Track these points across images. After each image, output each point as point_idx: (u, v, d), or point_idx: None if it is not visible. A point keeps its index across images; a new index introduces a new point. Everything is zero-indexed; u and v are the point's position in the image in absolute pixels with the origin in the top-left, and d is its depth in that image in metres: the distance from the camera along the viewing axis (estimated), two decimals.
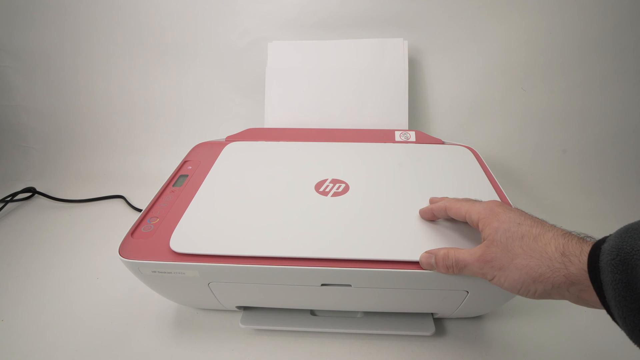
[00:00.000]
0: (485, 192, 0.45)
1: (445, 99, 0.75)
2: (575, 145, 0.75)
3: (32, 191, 0.73)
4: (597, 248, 0.24)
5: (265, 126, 0.69)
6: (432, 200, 0.40)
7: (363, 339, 0.44)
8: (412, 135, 0.60)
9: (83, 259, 0.57)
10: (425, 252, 0.34)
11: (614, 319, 0.24)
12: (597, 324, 0.46)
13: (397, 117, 0.66)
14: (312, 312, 0.46)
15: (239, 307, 0.45)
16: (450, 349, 0.43)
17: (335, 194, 0.43)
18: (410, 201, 0.42)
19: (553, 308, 0.48)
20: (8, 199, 0.70)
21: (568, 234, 0.28)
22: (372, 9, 0.70)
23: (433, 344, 0.44)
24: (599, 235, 0.26)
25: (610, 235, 0.24)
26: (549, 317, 0.47)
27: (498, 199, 0.43)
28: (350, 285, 0.37)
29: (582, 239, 0.27)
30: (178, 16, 0.74)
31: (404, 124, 0.66)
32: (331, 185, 0.45)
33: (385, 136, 0.60)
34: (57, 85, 0.80)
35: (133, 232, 0.40)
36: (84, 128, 0.83)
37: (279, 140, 0.58)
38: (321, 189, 0.44)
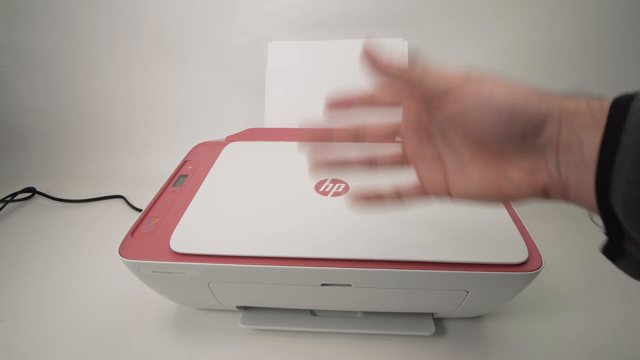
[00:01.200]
0: None
1: None
2: None
3: (32, 191, 0.73)
4: (620, 105, 0.20)
5: (265, 126, 0.69)
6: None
7: (363, 339, 0.44)
8: None
9: (83, 259, 0.57)
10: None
11: (599, 192, 0.21)
12: (597, 324, 0.46)
13: (397, 117, 0.66)
14: (312, 312, 0.46)
15: (239, 307, 0.45)
16: (450, 349, 0.43)
17: (335, 194, 0.43)
18: None
19: (553, 307, 0.48)
20: (8, 199, 0.70)
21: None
22: (372, 9, 0.70)
23: (433, 344, 0.44)
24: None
25: (637, 92, 0.21)
26: (549, 317, 0.47)
27: None
28: (350, 285, 0.37)
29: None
30: (178, 16, 0.74)
31: None
32: (331, 185, 0.45)
33: None
34: (57, 85, 0.80)
35: (133, 232, 0.40)
36: (84, 128, 0.83)
37: (279, 140, 0.58)
38: (321, 189, 0.44)
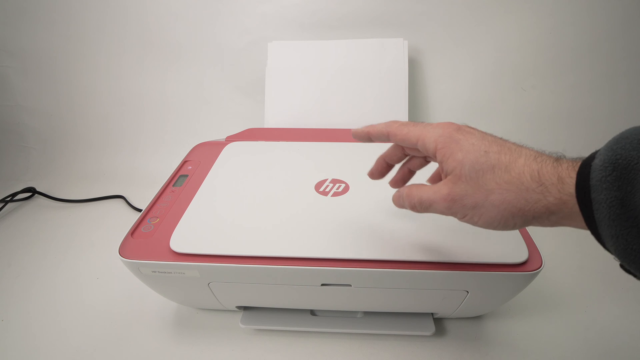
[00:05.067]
0: None
1: (445, 99, 0.75)
2: (575, 145, 0.75)
3: (32, 191, 0.73)
4: (586, 165, 0.22)
5: (265, 126, 0.69)
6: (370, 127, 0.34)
7: (363, 339, 0.44)
8: None
9: (83, 259, 0.57)
10: (396, 192, 0.32)
11: (599, 239, 0.23)
12: (597, 324, 0.46)
13: (397, 117, 0.66)
14: (312, 312, 0.46)
15: (239, 307, 0.45)
16: (450, 349, 0.43)
17: (335, 194, 0.43)
18: None
19: (553, 307, 0.48)
20: (8, 199, 0.70)
21: (540, 156, 0.25)
22: (372, 9, 0.70)
23: (433, 344, 0.44)
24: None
25: (598, 150, 0.23)
26: (549, 317, 0.47)
27: None
28: (350, 285, 0.37)
29: (557, 159, 0.25)
30: (178, 16, 0.74)
31: None
32: (331, 185, 0.45)
33: None
34: (57, 85, 0.80)
35: (133, 232, 0.40)
36: (84, 128, 0.83)
37: (279, 140, 0.58)
38: (321, 189, 0.44)
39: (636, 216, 0.20)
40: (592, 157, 0.23)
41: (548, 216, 0.24)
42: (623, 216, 0.20)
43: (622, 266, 0.23)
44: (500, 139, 0.27)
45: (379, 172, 0.36)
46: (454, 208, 0.27)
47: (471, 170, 0.25)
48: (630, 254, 0.21)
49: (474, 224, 0.27)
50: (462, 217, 0.28)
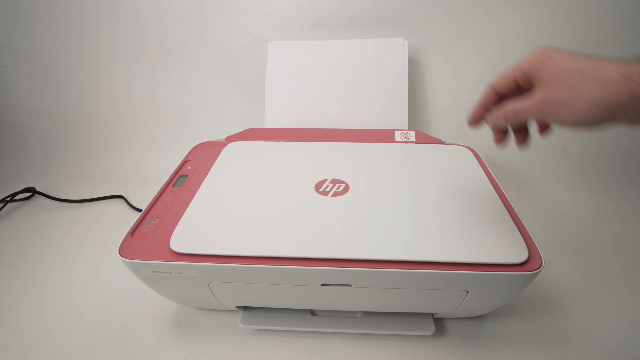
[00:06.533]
0: (485, 192, 0.45)
1: (445, 99, 0.75)
2: (575, 145, 0.75)
3: (32, 191, 0.73)
4: None
5: (265, 126, 0.69)
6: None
7: (363, 339, 0.44)
8: (412, 135, 0.60)
9: (83, 259, 0.57)
10: (490, 115, 0.36)
11: None
12: (597, 324, 0.46)
13: (397, 117, 0.66)
14: (312, 312, 0.46)
15: (239, 307, 0.45)
16: (450, 349, 0.43)
17: (335, 194, 0.43)
18: (410, 201, 0.42)
19: (553, 307, 0.48)
20: (8, 199, 0.70)
21: (624, 60, 0.27)
22: (372, 9, 0.70)
23: (433, 344, 0.44)
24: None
25: None
26: (549, 317, 0.47)
27: (498, 199, 0.43)
28: (350, 285, 0.37)
29: None
30: (178, 16, 0.74)
31: (404, 124, 0.66)
32: (331, 185, 0.45)
33: (385, 136, 0.60)
34: (57, 85, 0.80)
35: (133, 232, 0.40)
36: (84, 128, 0.83)
37: (279, 140, 0.58)
38: (321, 189, 0.44)
39: None
40: None
41: (632, 104, 0.26)
42: None
43: None
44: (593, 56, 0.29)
45: (486, 106, 0.37)
46: (545, 110, 0.29)
47: (562, 75, 0.28)
48: None
49: (562, 122, 0.29)
50: (551, 117, 0.30)
